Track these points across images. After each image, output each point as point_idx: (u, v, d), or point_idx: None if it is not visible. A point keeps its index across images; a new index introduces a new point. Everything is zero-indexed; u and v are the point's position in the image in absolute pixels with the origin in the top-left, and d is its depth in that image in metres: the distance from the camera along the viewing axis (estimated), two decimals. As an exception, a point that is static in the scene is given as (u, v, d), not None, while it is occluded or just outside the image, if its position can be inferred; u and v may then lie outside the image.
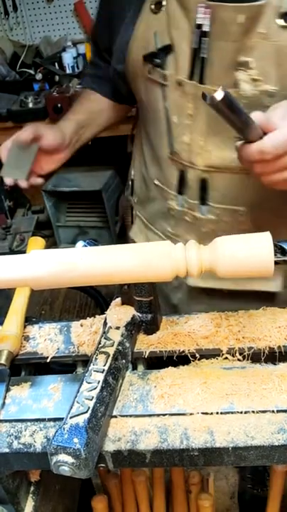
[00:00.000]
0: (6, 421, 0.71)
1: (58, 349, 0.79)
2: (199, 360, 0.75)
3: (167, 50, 0.93)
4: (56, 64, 2.72)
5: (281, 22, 0.81)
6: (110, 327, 0.75)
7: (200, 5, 0.85)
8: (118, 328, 0.74)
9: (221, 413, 0.66)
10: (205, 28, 0.85)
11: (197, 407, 0.67)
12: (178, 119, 0.96)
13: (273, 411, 0.66)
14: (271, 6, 0.81)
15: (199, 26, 0.86)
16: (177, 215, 1.07)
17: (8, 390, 0.74)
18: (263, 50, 0.83)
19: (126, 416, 0.68)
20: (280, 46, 0.83)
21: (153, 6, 0.93)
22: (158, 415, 0.67)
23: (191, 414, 0.67)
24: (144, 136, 1.12)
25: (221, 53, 0.87)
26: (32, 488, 0.83)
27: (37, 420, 0.70)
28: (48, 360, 0.78)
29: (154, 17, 0.93)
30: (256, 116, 0.71)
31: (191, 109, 0.94)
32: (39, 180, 1.15)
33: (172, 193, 1.05)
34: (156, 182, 1.09)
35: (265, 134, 0.72)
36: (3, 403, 0.72)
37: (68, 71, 2.70)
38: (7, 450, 0.68)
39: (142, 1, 0.95)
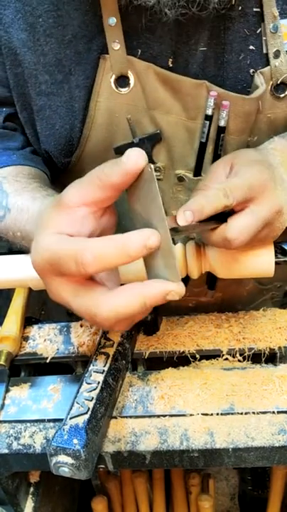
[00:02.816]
0: (5, 422, 0.70)
1: (58, 350, 0.79)
2: (199, 361, 0.74)
3: (153, 139, 0.75)
4: None
5: (275, 93, 0.74)
6: (110, 328, 0.75)
7: (213, 94, 0.71)
8: (118, 328, 0.74)
9: (221, 414, 0.66)
10: (221, 123, 0.73)
11: (197, 408, 0.67)
12: None
13: (273, 412, 0.66)
14: (268, 79, 0.73)
15: (207, 117, 0.73)
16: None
17: (7, 390, 0.74)
18: (258, 125, 0.76)
19: (126, 417, 0.68)
20: (273, 118, 0.76)
21: (112, 79, 0.72)
22: (158, 416, 0.67)
23: (191, 415, 0.66)
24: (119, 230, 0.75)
25: (237, 147, 0.76)
26: (31, 489, 0.83)
27: (36, 421, 0.70)
28: (48, 361, 0.78)
29: (118, 95, 0.72)
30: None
31: None
32: None
33: None
34: None
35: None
36: (3, 404, 0.72)
37: None
38: (6, 451, 0.68)
39: (91, 70, 0.72)
